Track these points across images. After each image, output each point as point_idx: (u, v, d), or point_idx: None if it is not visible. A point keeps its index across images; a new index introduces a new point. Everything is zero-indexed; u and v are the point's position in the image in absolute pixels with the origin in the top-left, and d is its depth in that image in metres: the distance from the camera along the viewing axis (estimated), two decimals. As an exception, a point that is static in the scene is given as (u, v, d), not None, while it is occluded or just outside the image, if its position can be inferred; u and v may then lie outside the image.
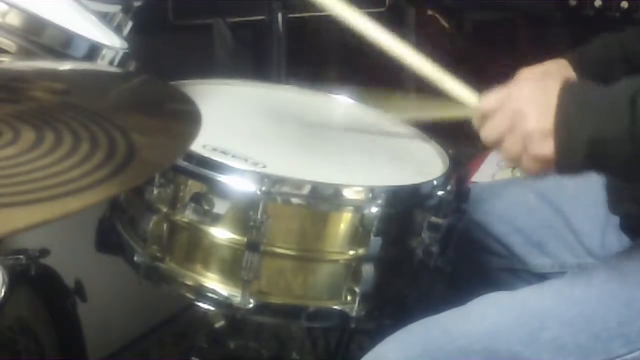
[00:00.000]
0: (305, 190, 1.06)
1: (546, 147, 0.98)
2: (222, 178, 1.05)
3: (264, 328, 1.58)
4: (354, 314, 1.08)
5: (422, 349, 1.05)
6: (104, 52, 1.15)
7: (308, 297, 1.09)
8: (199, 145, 1.08)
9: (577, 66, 1.28)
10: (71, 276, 1.29)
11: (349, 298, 1.09)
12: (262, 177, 1.04)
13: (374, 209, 1.05)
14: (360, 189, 1.07)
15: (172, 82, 1.15)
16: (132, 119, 0.86)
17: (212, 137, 1.09)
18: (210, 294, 1.08)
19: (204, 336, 1.55)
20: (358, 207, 1.06)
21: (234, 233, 1.07)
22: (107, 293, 1.55)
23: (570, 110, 0.97)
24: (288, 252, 1.07)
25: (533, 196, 1.35)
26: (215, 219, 1.07)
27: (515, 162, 1.03)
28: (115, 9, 1.35)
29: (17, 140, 0.76)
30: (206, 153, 1.08)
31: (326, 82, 1.34)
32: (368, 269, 1.07)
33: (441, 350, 1.05)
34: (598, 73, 1.28)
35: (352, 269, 1.08)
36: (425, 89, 1.22)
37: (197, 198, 1.07)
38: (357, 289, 1.08)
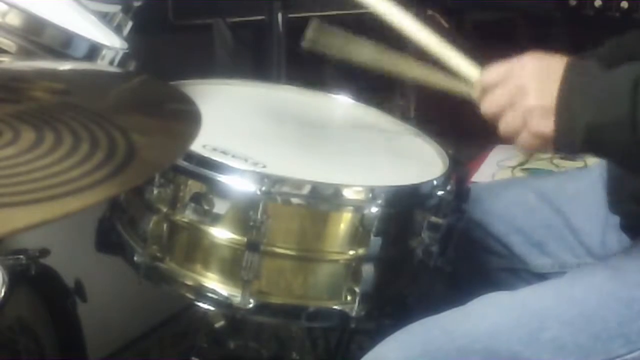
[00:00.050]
0: (305, 190, 1.06)
1: (546, 125, 0.99)
2: (222, 178, 1.05)
3: (264, 328, 1.58)
4: (354, 314, 1.08)
5: (422, 349, 1.05)
6: (104, 52, 1.15)
7: (308, 297, 1.09)
8: (199, 145, 1.08)
9: None
10: (71, 276, 1.29)
11: (349, 298, 1.09)
12: (262, 177, 1.04)
13: (374, 209, 1.05)
14: (360, 189, 1.07)
15: (172, 82, 1.15)
16: (132, 119, 0.86)
17: (212, 137, 1.09)
18: (210, 294, 1.08)
19: (204, 336, 1.55)
20: (358, 207, 1.06)
21: (234, 233, 1.07)
22: (107, 293, 1.55)
23: (572, 91, 0.97)
24: (288, 252, 1.07)
25: (533, 196, 1.35)
26: (215, 219, 1.07)
27: (513, 137, 1.04)
28: (115, 9, 1.35)
29: (17, 140, 0.76)
30: (206, 153, 1.08)
31: (326, 82, 1.34)
32: (368, 269, 1.07)
33: (441, 350, 1.05)
34: None
35: (352, 269, 1.08)
36: (425, 88, 1.22)
37: (197, 198, 1.07)
38: (357, 289, 1.08)
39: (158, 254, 1.11)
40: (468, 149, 1.89)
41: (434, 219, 1.13)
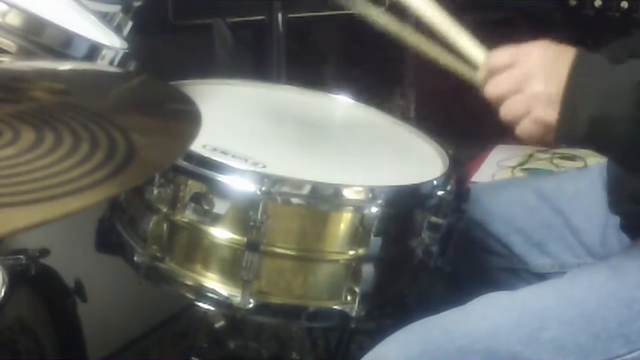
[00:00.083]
0: (305, 190, 1.06)
1: (550, 113, 0.99)
2: (222, 178, 1.05)
3: (264, 328, 1.58)
4: (354, 314, 1.08)
5: (422, 349, 1.05)
6: (104, 52, 1.15)
7: (308, 297, 1.09)
8: (199, 145, 1.08)
9: None
10: (71, 276, 1.29)
11: (349, 298, 1.09)
12: (262, 177, 1.04)
13: (374, 209, 1.05)
14: (360, 189, 1.07)
15: (172, 82, 1.15)
16: (132, 119, 0.86)
17: (212, 137, 1.09)
18: (210, 294, 1.08)
19: (204, 336, 1.55)
20: (358, 207, 1.06)
21: (234, 233, 1.07)
22: (107, 293, 1.55)
23: (579, 82, 0.97)
24: (288, 252, 1.07)
25: (533, 196, 1.35)
26: (215, 219, 1.07)
27: (514, 123, 1.03)
28: (115, 9, 1.35)
29: (17, 140, 0.76)
30: (206, 153, 1.08)
31: (326, 82, 1.34)
32: (368, 269, 1.07)
33: (441, 350, 1.05)
34: None
35: (352, 269, 1.08)
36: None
37: (197, 198, 1.07)
38: (357, 289, 1.08)
39: (158, 254, 1.11)
40: (468, 149, 1.89)
41: (434, 219, 1.13)
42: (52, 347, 1.27)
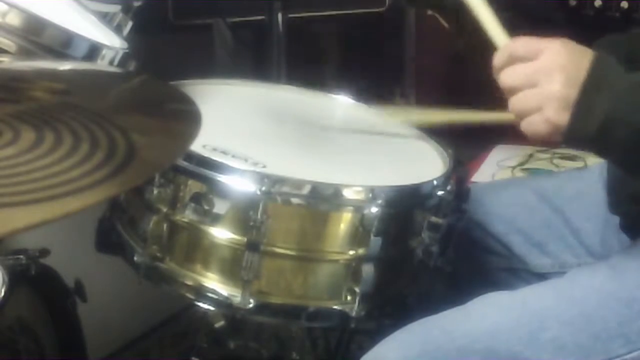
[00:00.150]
0: (305, 190, 1.06)
1: (562, 116, 0.97)
2: (222, 178, 1.05)
3: (264, 328, 1.58)
4: (354, 314, 1.08)
5: (421, 349, 1.05)
6: (104, 52, 1.15)
7: (308, 297, 1.09)
8: (199, 145, 1.08)
9: None
10: (71, 276, 1.29)
11: (349, 298, 1.09)
12: (262, 177, 1.04)
13: (374, 209, 1.05)
14: (360, 189, 1.07)
15: (172, 82, 1.15)
16: (132, 119, 0.86)
17: (212, 137, 1.09)
18: (210, 294, 1.08)
19: (204, 336, 1.55)
20: (358, 207, 1.06)
21: (234, 233, 1.07)
22: (107, 293, 1.55)
23: (593, 89, 0.96)
24: (288, 252, 1.07)
25: (533, 196, 1.35)
26: (215, 219, 1.07)
27: (522, 115, 1.01)
28: (115, 9, 1.35)
29: (17, 140, 0.76)
30: (206, 153, 1.08)
31: (326, 82, 1.34)
32: (368, 269, 1.07)
33: (441, 350, 1.05)
34: None
35: (352, 269, 1.08)
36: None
37: (197, 198, 1.07)
38: (357, 289, 1.08)
39: (158, 254, 1.11)
40: (468, 149, 1.88)
41: (434, 219, 1.13)
42: (52, 347, 1.27)
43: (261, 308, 1.07)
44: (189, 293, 1.10)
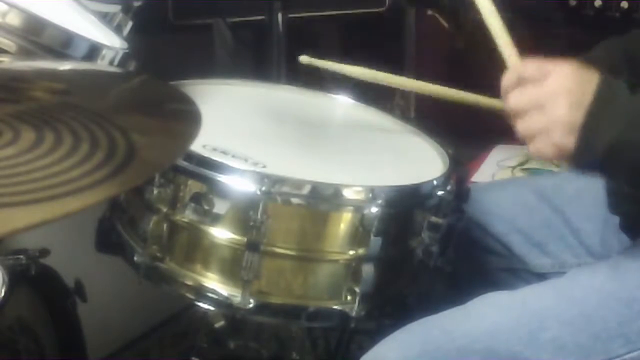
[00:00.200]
0: (305, 190, 1.06)
1: (568, 140, 0.98)
2: (222, 178, 1.05)
3: (264, 328, 1.58)
4: (354, 314, 1.08)
5: (421, 349, 1.05)
6: (104, 52, 1.15)
7: (308, 297, 1.09)
8: (199, 145, 1.08)
9: None
10: (71, 276, 1.29)
11: (349, 298, 1.09)
12: (262, 177, 1.04)
13: (374, 209, 1.05)
14: (360, 189, 1.07)
15: (172, 82, 1.15)
16: (132, 119, 0.86)
17: (212, 137, 1.09)
18: (210, 294, 1.08)
19: (204, 336, 1.55)
20: (358, 207, 1.06)
21: (234, 233, 1.07)
22: (107, 293, 1.55)
23: (599, 113, 0.96)
24: (288, 252, 1.07)
25: (533, 196, 1.35)
26: (215, 219, 1.07)
27: (528, 137, 1.01)
28: (115, 9, 1.35)
29: (17, 140, 0.76)
30: (206, 153, 1.08)
31: (326, 82, 1.34)
32: (368, 269, 1.07)
33: (441, 350, 1.05)
34: None
35: (352, 269, 1.08)
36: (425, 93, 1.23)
37: (197, 198, 1.07)
38: (357, 289, 1.08)
39: (158, 254, 1.11)
40: (468, 149, 1.89)
41: (434, 219, 1.13)
42: (52, 347, 1.27)
43: (261, 308, 1.07)
44: (189, 293, 1.10)
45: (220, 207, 1.06)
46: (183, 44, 2.16)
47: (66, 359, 1.30)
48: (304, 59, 1.26)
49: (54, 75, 1.00)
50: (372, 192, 1.06)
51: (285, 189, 1.04)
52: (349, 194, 1.07)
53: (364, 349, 1.09)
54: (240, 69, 2.28)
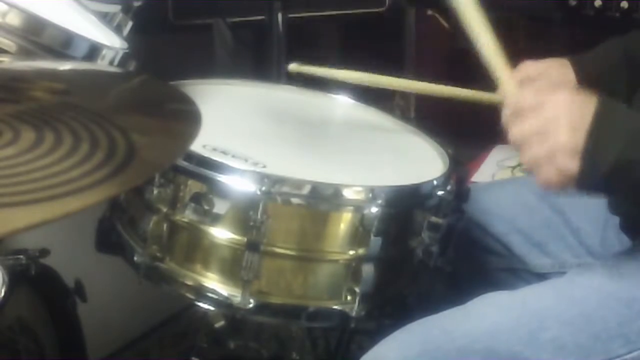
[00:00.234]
0: (305, 190, 1.06)
1: (572, 164, 0.97)
2: (222, 178, 1.05)
3: (264, 328, 1.58)
4: (354, 314, 1.08)
5: (421, 349, 1.05)
6: (104, 52, 1.15)
7: (308, 297, 1.09)
8: (199, 145, 1.08)
9: (578, 68, 1.28)
10: (71, 276, 1.29)
11: (349, 298, 1.09)
12: (262, 177, 1.04)
13: (374, 209, 1.05)
14: (360, 189, 1.07)
15: (172, 82, 1.15)
16: (132, 119, 0.86)
17: (212, 137, 1.09)
18: (210, 294, 1.08)
19: (204, 336, 1.55)
20: (358, 207, 1.06)
21: (234, 233, 1.07)
22: (107, 293, 1.55)
23: (602, 131, 0.97)
24: (288, 252, 1.07)
25: (533, 196, 1.35)
26: (215, 219, 1.07)
27: (533, 167, 1.01)
28: (115, 9, 1.35)
29: (17, 140, 0.76)
30: (206, 153, 1.08)
31: (326, 82, 1.34)
32: (368, 269, 1.07)
33: (440, 350, 1.05)
34: (598, 77, 1.29)
35: (352, 269, 1.08)
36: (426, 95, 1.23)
37: (197, 198, 1.07)
38: (357, 289, 1.08)
39: (158, 254, 1.11)
40: (468, 149, 1.89)
41: (434, 219, 1.13)
42: (52, 347, 1.27)
43: (261, 308, 1.07)
44: (189, 293, 1.10)
45: (220, 207, 1.06)
46: (183, 44, 2.16)
47: (66, 359, 1.30)
48: (293, 67, 1.26)
49: (54, 75, 1.00)
50: (372, 192, 1.06)
51: (285, 189, 1.04)
52: (349, 194, 1.07)
53: (364, 349, 1.09)
54: (240, 69, 2.28)
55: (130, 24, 1.37)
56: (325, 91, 1.45)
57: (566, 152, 0.98)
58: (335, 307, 1.09)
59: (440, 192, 1.13)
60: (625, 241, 1.25)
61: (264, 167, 1.08)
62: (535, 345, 1.04)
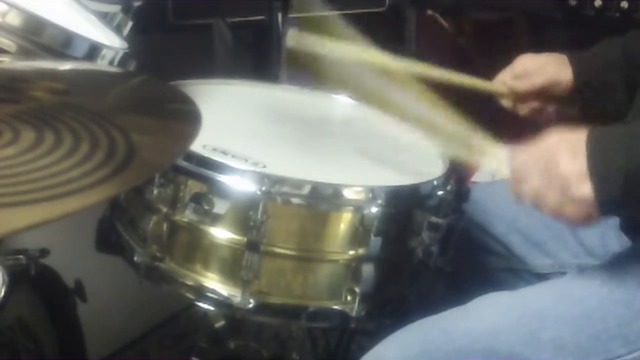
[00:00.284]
0: (305, 190, 1.06)
1: (584, 189, 0.97)
2: (222, 178, 1.05)
3: (264, 328, 1.58)
4: (354, 314, 1.08)
5: (421, 349, 1.05)
6: (104, 52, 1.15)
7: (308, 297, 1.09)
8: (199, 145, 1.09)
9: (576, 64, 1.28)
10: (71, 276, 1.29)
11: (349, 298, 1.09)
12: (262, 177, 1.04)
13: (374, 209, 1.05)
14: (360, 189, 1.07)
15: (172, 82, 1.15)
16: (132, 119, 0.86)
17: (212, 137, 1.10)
18: (210, 294, 1.08)
19: (204, 336, 1.56)
20: (358, 207, 1.06)
21: (234, 233, 1.07)
22: (107, 293, 1.55)
23: (602, 146, 0.97)
24: (288, 252, 1.07)
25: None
26: (215, 219, 1.07)
27: (557, 214, 1.01)
28: (115, 9, 1.35)
29: (17, 140, 0.76)
30: (206, 153, 1.08)
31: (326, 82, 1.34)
32: (368, 269, 1.07)
33: (440, 350, 1.05)
34: (596, 75, 1.29)
35: (352, 269, 1.08)
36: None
37: (197, 198, 1.07)
38: (357, 289, 1.08)
39: (158, 254, 1.11)
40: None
41: (434, 219, 1.13)
42: (52, 347, 1.27)
43: (261, 308, 1.07)
44: (189, 293, 1.10)
45: (220, 207, 1.06)
46: (183, 44, 2.16)
47: (66, 359, 1.30)
48: (292, 34, 1.24)
49: (54, 75, 1.00)
50: (372, 192, 1.06)
51: (285, 189, 1.04)
52: (349, 194, 1.07)
53: (364, 349, 1.09)
54: (240, 69, 2.28)
55: (130, 24, 1.36)
56: (325, 91, 1.45)
57: (575, 180, 0.97)
58: (335, 307, 1.09)
59: (440, 192, 1.13)
60: (625, 241, 1.25)
61: (264, 167, 1.08)
62: (535, 345, 1.04)
